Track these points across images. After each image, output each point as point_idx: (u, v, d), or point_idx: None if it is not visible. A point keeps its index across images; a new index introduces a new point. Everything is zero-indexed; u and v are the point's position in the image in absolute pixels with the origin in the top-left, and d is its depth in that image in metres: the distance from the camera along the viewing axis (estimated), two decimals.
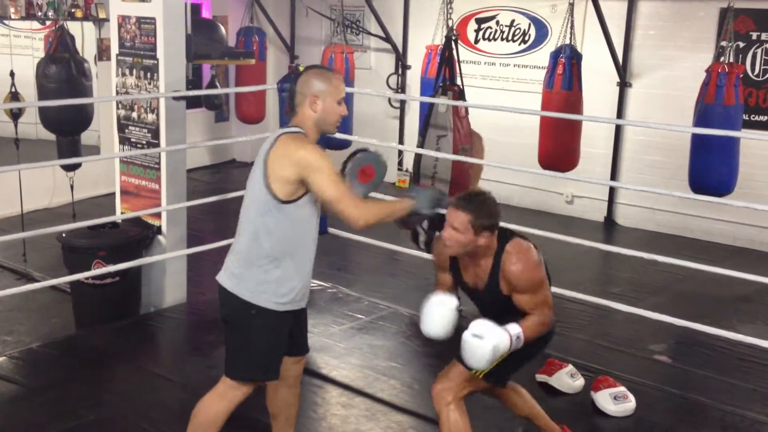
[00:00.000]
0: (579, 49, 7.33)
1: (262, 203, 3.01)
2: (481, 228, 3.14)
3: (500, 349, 3.05)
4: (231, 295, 3.10)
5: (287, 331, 3.17)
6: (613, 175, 8.35)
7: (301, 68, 3.60)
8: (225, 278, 3.14)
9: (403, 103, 9.71)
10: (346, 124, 8.05)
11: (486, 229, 3.16)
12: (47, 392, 4.21)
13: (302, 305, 3.21)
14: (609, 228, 8.38)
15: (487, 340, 3.02)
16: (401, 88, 9.75)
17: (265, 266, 3.04)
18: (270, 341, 3.13)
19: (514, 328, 3.10)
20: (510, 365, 3.29)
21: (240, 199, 3.23)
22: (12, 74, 7.52)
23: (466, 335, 3.08)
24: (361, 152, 3.70)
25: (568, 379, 4.41)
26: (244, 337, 3.12)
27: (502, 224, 3.28)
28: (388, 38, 9.62)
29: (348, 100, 8.91)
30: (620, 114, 8.24)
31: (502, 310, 3.23)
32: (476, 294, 3.37)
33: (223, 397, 3.16)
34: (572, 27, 7.14)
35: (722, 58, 6.16)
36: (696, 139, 6.17)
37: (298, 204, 3.01)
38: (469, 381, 3.26)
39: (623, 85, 8.24)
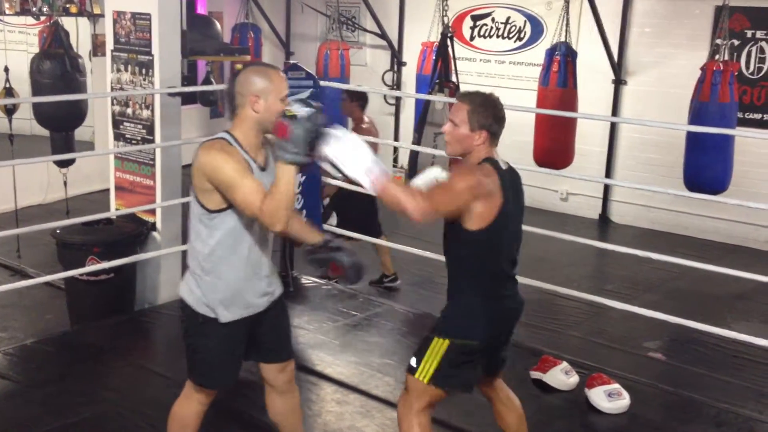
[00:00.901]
0: (574, 47, 7.34)
1: (195, 213, 2.92)
2: (479, 125, 2.97)
3: (363, 161, 2.77)
4: (181, 301, 3.02)
5: (240, 339, 3.04)
6: (608, 173, 8.36)
7: (238, 67, 3.49)
8: (181, 283, 3.07)
9: (398, 100, 9.71)
10: (340, 121, 8.09)
11: (484, 128, 2.98)
12: (42, 389, 4.20)
13: (252, 311, 3.02)
14: (603, 225, 8.40)
15: (344, 150, 2.76)
16: (396, 85, 9.75)
17: (202, 276, 2.94)
18: (215, 350, 3.01)
19: (382, 167, 2.82)
20: (457, 370, 3.01)
21: None
22: (6, 70, 7.50)
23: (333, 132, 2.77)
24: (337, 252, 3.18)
25: (562, 376, 4.41)
26: (192, 343, 3.05)
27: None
28: (383, 35, 9.61)
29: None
30: (615, 111, 8.26)
31: (452, 233, 3.04)
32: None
33: (190, 398, 3.14)
34: (568, 24, 7.14)
35: (717, 56, 6.17)
36: (691, 136, 6.18)
37: (229, 212, 2.84)
38: (424, 391, 3.03)
39: (618, 82, 8.26)
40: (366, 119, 6.46)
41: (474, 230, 2.93)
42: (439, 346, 2.99)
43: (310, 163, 2.74)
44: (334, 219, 6.29)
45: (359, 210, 6.16)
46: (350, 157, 2.76)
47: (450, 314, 3.09)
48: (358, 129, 6.21)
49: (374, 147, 3.81)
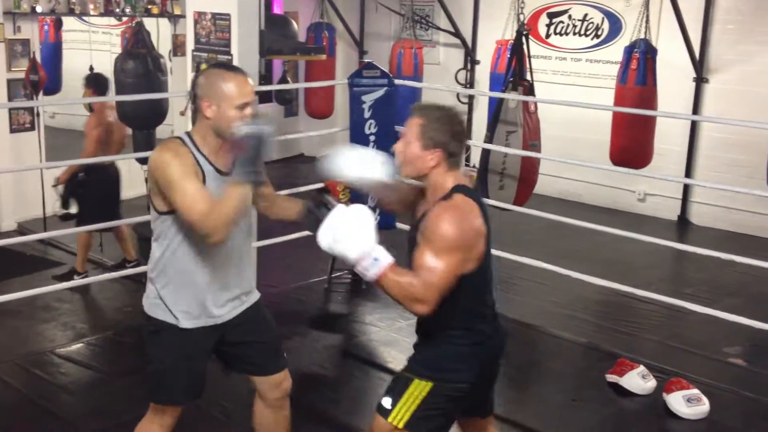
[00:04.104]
0: (654, 44, 7.19)
1: (151, 218, 2.84)
2: (432, 142, 2.59)
3: (348, 252, 2.51)
4: (142, 309, 2.91)
5: (201, 350, 2.87)
6: (688, 173, 8.15)
7: (203, 66, 3.33)
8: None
9: (471, 98, 9.66)
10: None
11: (438, 146, 2.59)
12: (122, 379, 4.33)
13: (213, 321, 2.85)
14: (683, 227, 8.20)
15: (344, 229, 2.52)
16: (470, 83, 9.71)
17: (155, 279, 2.82)
18: (171, 360, 2.84)
19: (383, 255, 2.51)
20: (437, 414, 2.71)
21: (306, 194, 3.21)
22: (91, 69, 7.75)
23: (339, 208, 2.58)
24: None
25: (639, 380, 4.33)
26: (149, 355, 2.88)
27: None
28: (457, 33, 9.58)
29: (416, 94, 8.94)
30: (696, 110, 8.04)
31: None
32: (409, 236, 2.80)
33: (151, 422, 2.97)
34: (647, 21, 7.00)
35: None
36: None
37: (178, 215, 2.69)
38: None
39: (700, 80, 8.04)
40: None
41: (463, 275, 2.60)
42: (420, 390, 2.68)
43: (261, 181, 2.65)
44: (75, 207, 5.99)
45: (98, 195, 5.96)
46: (347, 235, 2.52)
47: (433, 354, 2.72)
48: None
49: None
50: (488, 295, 2.76)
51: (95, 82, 6.20)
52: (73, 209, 5.98)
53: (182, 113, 7.38)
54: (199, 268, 2.78)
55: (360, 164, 2.83)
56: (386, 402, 2.72)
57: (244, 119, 2.64)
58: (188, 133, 2.77)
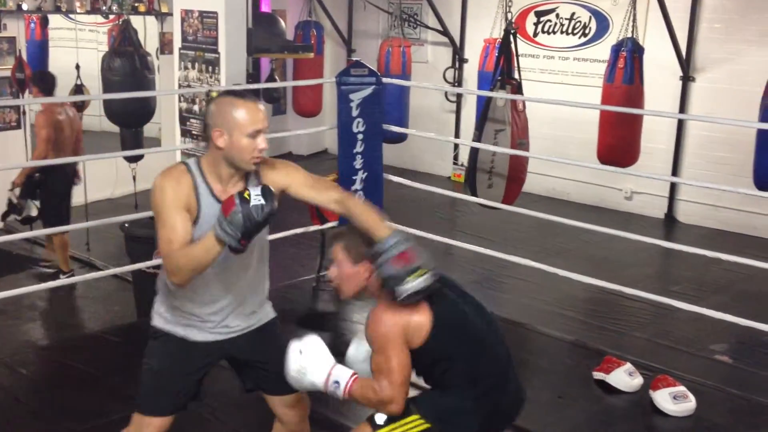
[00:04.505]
0: (641, 43, 7.21)
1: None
2: (358, 256, 2.73)
3: (313, 381, 2.67)
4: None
5: (193, 364, 2.83)
6: (675, 171, 8.19)
7: (213, 94, 3.24)
8: None
9: (459, 96, 9.67)
10: (401, 119, 8.11)
11: (366, 258, 2.70)
12: (110, 378, 4.31)
13: (213, 338, 2.83)
14: (669, 225, 8.24)
15: (304, 360, 2.68)
16: (458, 81, 9.72)
17: (162, 290, 2.83)
18: (159, 368, 2.81)
19: (342, 374, 2.66)
20: None
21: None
22: (77, 67, 7.73)
23: (293, 347, 2.70)
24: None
25: (626, 378, 4.34)
26: (144, 362, 2.86)
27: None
28: (445, 32, 9.59)
29: (404, 93, 8.94)
30: (683, 109, 8.08)
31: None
32: None
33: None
34: (634, 20, 7.02)
35: None
36: (761, 135, 6.01)
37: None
38: None
39: (686, 79, 8.08)
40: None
41: (418, 348, 2.66)
42: (416, 426, 2.69)
43: (241, 250, 2.51)
44: (33, 209, 5.96)
45: (57, 193, 5.94)
46: (306, 369, 2.66)
47: (442, 401, 2.75)
48: None
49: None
50: (487, 359, 2.76)
51: (41, 81, 6.11)
52: (33, 212, 5.93)
53: None
54: (203, 286, 2.73)
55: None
56: (379, 418, 2.73)
57: (259, 147, 2.61)
58: (197, 160, 2.71)
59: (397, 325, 2.64)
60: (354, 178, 5.32)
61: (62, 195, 5.93)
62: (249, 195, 2.45)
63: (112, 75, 6.54)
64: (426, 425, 2.69)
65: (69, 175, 5.97)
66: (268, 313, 3.01)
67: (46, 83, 6.05)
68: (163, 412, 2.84)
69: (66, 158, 5.89)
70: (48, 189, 5.87)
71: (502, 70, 6.18)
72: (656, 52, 7.73)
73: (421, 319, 2.67)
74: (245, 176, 2.71)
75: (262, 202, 2.45)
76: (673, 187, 8.31)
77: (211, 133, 2.62)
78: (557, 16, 8.99)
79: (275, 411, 3.00)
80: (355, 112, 5.32)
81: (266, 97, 9.57)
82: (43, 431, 3.82)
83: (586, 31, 8.76)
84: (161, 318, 2.83)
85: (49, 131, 5.75)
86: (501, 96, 6.02)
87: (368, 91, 5.32)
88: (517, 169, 6.14)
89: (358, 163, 5.30)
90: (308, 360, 2.67)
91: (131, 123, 6.63)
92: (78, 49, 10.10)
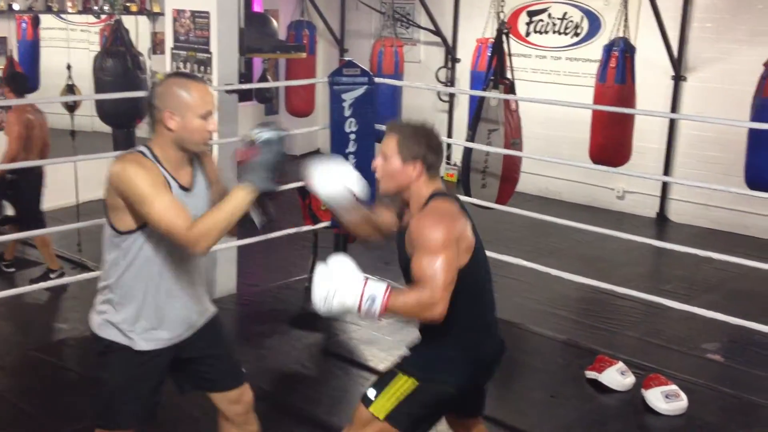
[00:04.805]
0: (633, 42, 7.23)
1: (106, 234, 2.66)
2: (410, 156, 2.69)
3: (344, 302, 2.50)
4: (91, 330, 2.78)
5: (157, 372, 2.75)
6: (666, 171, 8.21)
7: (159, 77, 3.19)
8: (91, 310, 2.81)
9: (452, 96, 9.68)
10: (394, 118, 8.10)
11: (416, 158, 2.69)
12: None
13: (172, 342, 2.75)
14: (661, 224, 8.26)
15: (331, 282, 2.50)
16: (450, 81, 9.72)
17: (115, 299, 2.68)
18: (122, 383, 2.71)
19: (377, 288, 2.50)
20: (421, 412, 2.74)
21: (285, 192, 3.11)
22: (69, 67, 7.71)
23: (319, 271, 2.55)
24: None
25: (618, 376, 4.36)
26: (100, 376, 2.76)
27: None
28: (438, 31, 9.59)
29: (397, 93, 8.94)
30: (675, 108, 8.10)
31: (408, 273, 2.72)
32: (397, 248, 2.85)
33: None
34: (626, 20, 7.04)
35: None
36: (752, 134, 6.04)
37: (139, 234, 2.58)
38: (376, 427, 2.72)
39: (678, 78, 8.10)
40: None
41: (459, 276, 2.62)
42: (405, 385, 2.71)
43: (273, 195, 2.49)
44: (8, 209, 5.95)
45: (31, 193, 5.89)
46: (335, 291, 2.50)
47: (425, 355, 2.78)
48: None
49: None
50: (483, 302, 2.81)
51: (13, 81, 6.10)
52: (8, 211, 5.90)
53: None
54: (163, 286, 2.67)
55: (334, 182, 2.81)
56: (371, 393, 2.76)
57: (210, 128, 2.58)
58: (148, 147, 2.62)
59: (454, 233, 2.60)
60: None
61: (36, 195, 5.93)
62: (257, 137, 2.47)
63: (104, 75, 6.53)
64: (415, 383, 2.70)
65: (40, 176, 5.96)
66: (211, 305, 2.94)
67: (17, 83, 6.04)
68: (128, 425, 2.77)
69: (58, 159, 5.88)
70: (21, 189, 5.86)
71: (495, 69, 6.18)
72: (648, 51, 7.76)
73: (470, 239, 2.68)
74: (191, 160, 2.68)
75: (280, 132, 2.49)
76: (665, 186, 8.33)
77: (161, 115, 2.56)
78: (549, 15, 9.00)
79: (220, 408, 2.94)
80: (347, 112, 5.32)
81: (259, 97, 9.58)
82: None
83: (578, 31, 8.78)
84: (115, 329, 2.69)
85: (20, 129, 5.73)
86: (494, 96, 6.03)
87: (361, 90, 5.32)
88: (511, 169, 6.15)
89: (350, 163, 5.30)
90: (337, 281, 2.50)
91: (123, 123, 6.62)
92: (70, 49, 10.11)
